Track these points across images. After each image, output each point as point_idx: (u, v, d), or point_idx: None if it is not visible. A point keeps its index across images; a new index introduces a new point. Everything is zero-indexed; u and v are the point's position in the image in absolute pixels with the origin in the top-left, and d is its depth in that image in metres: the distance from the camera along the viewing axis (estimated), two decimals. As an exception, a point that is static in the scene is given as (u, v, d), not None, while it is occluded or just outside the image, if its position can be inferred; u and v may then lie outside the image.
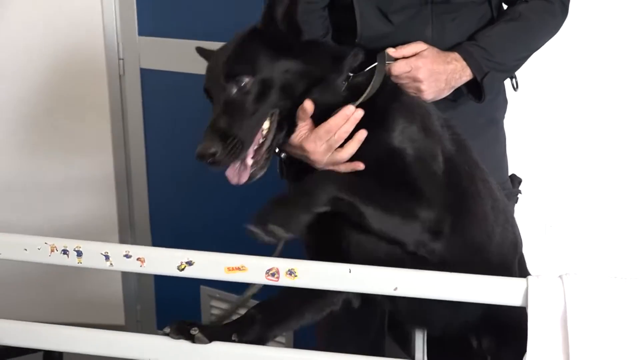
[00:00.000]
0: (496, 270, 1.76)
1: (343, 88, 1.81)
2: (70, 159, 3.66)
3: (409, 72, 1.93)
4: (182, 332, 1.65)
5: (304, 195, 1.64)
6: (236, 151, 1.67)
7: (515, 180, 2.31)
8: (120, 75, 3.55)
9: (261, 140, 1.74)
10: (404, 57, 1.95)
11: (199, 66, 3.26)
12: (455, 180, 1.80)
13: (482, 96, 2.07)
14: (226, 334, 1.69)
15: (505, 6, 2.20)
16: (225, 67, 1.73)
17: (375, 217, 1.68)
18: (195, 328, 1.64)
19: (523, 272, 2.01)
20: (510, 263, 1.95)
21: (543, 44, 2.16)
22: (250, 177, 1.74)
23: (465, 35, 2.10)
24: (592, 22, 2.81)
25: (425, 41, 2.01)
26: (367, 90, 1.81)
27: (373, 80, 1.84)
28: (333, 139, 1.75)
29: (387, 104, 1.82)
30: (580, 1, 2.21)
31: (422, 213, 1.71)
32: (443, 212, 1.73)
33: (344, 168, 1.76)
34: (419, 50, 1.97)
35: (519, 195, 2.31)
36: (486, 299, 1.55)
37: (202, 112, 3.33)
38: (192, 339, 1.64)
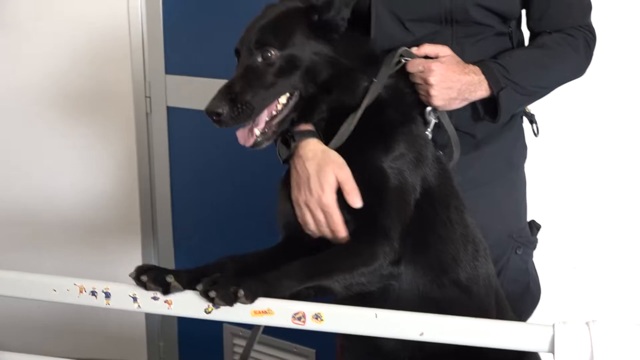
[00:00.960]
0: (468, 296, 1.86)
1: (362, 90, 1.84)
2: (97, 199, 3.69)
3: (422, 72, 1.94)
4: (159, 281, 1.63)
5: (265, 284, 1.63)
6: (243, 116, 1.74)
7: (534, 227, 2.28)
8: (147, 113, 3.59)
9: (274, 113, 1.80)
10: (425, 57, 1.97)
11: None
12: (427, 207, 1.83)
13: (497, 114, 2.04)
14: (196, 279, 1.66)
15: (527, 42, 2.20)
16: (258, 33, 1.80)
17: (339, 283, 1.72)
18: (171, 275, 1.62)
19: (501, 309, 2.00)
20: (484, 294, 1.94)
21: (564, 79, 2.14)
22: (254, 144, 1.79)
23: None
24: (612, 68, 2.80)
25: None
26: (376, 82, 1.85)
27: (380, 71, 1.88)
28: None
29: (396, 123, 1.86)
30: (601, 47, 2.20)
31: (382, 250, 1.75)
32: (401, 240, 1.77)
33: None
34: (441, 54, 1.97)
35: (537, 242, 2.29)
36: (512, 345, 1.54)
37: (227, 150, 3.38)
38: (167, 287, 1.62)
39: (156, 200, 3.68)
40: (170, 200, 3.65)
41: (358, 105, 1.83)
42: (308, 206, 1.81)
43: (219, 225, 3.51)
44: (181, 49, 3.47)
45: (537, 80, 2.08)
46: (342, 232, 1.80)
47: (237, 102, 1.72)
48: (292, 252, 1.82)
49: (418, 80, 1.95)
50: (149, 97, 3.57)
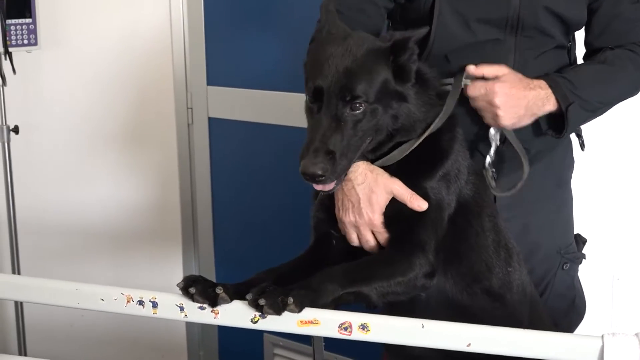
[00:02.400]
0: (500, 303, 1.85)
1: (424, 129, 1.83)
2: (139, 209, 3.74)
3: (484, 94, 1.91)
4: (206, 294, 1.64)
5: (311, 291, 1.64)
6: (339, 173, 1.71)
7: (580, 241, 2.26)
8: (189, 124, 3.62)
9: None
10: (483, 77, 1.93)
11: (266, 115, 3.35)
12: (460, 219, 1.84)
13: (564, 129, 2.01)
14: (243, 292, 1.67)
15: (580, 60, 2.18)
16: (346, 79, 1.72)
17: (377, 291, 1.73)
18: (220, 287, 1.63)
19: (538, 319, 1.97)
20: (517, 302, 1.92)
21: (624, 96, 2.11)
22: (333, 189, 1.76)
23: (546, 72, 2.04)
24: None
25: None
26: (441, 115, 1.83)
27: (448, 99, 1.86)
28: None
29: (443, 147, 1.85)
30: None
31: (418, 261, 1.76)
32: (436, 252, 1.78)
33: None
34: (500, 74, 1.93)
35: (584, 256, 2.27)
36: (561, 356, 1.53)
37: (268, 160, 3.40)
38: (215, 299, 1.63)
39: (197, 210, 3.71)
40: (212, 210, 3.68)
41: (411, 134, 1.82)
42: (357, 227, 1.83)
43: (259, 234, 3.53)
44: (223, 61, 3.50)
45: (601, 96, 2.05)
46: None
47: (335, 161, 1.68)
48: (322, 258, 1.85)
49: (481, 104, 1.93)
50: (191, 108, 3.60)
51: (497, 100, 1.90)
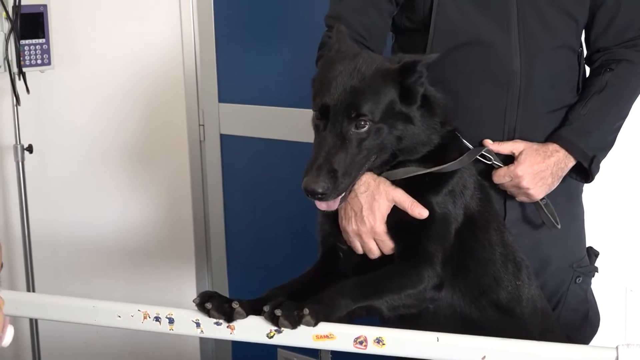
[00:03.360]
0: (509, 317, 1.86)
1: (427, 149, 1.83)
2: (151, 226, 3.75)
3: (510, 182, 1.98)
4: (222, 309, 1.65)
5: (324, 306, 1.65)
6: (340, 191, 1.72)
7: (592, 254, 2.26)
8: (200, 141, 3.65)
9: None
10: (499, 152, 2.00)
11: (277, 132, 3.37)
12: (467, 233, 1.86)
13: (589, 177, 2.07)
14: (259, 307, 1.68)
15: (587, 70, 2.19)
16: (352, 98, 1.73)
17: (388, 304, 1.74)
18: (236, 302, 1.64)
19: (550, 333, 1.96)
20: (527, 315, 1.93)
21: (632, 106, 2.13)
22: (337, 205, 1.78)
23: (554, 76, 2.07)
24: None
25: (514, 72, 2.01)
26: (446, 165, 1.84)
27: (461, 160, 1.87)
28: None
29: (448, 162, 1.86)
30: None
31: (426, 273, 1.77)
32: (444, 264, 1.79)
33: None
34: (516, 151, 1.99)
35: (597, 270, 2.27)
36: (575, 368, 1.54)
37: (280, 176, 3.41)
38: (231, 314, 1.64)
39: (210, 225, 3.73)
40: (224, 226, 3.69)
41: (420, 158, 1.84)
42: (360, 236, 1.84)
43: (272, 249, 3.54)
44: (234, 78, 3.53)
45: (612, 125, 2.10)
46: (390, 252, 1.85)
47: (337, 179, 1.70)
48: (331, 272, 1.87)
49: (510, 189, 2.01)
50: (203, 125, 3.63)
51: (525, 183, 1.98)
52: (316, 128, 1.77)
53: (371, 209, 1.82)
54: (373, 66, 1.77)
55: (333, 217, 1.90)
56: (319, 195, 1.69)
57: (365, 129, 1.72)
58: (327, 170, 1.69)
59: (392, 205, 1.83)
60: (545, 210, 2.04)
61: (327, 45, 1.94)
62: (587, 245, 2.28)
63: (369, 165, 1.78)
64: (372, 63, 1.78)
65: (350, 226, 1.85)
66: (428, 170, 1.82)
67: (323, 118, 1.74)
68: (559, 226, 2.03)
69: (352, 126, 1.72)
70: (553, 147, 2.01)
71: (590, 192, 2.36)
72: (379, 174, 1.84)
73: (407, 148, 1.80)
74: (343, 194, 1.75)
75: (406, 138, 1.78)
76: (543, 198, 2.03)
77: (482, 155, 1.97)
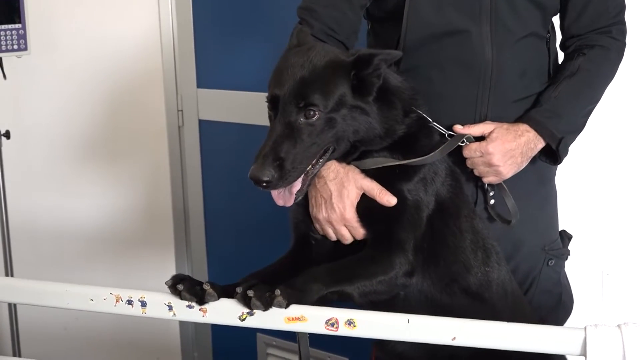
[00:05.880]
0: (479, 302, 1.89)
1: (390, 140, 1.85)
2: (130, 212, 3.75)
3: (480, 157, 1.98)
4: (193, 291, 1.66)
5: (296, 290, 1.66)
6: (289, 181, 1.74)
7: (565, 237, 2.28)
8: (179, 126, 3.64)
9: (308, 169, 1.79)
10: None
11: (256, 117, 3.36)
12: (438, 220, 1.87)
13: (557, 160, 2.09)
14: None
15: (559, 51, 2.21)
16: (301, 88, 1.75)
17: (359, 290, 1.76)
18: (207, 283, 1.65)
19: (521, 316, 1.97)
20: (496, 300, 1.95)
21: (604, 91, 2.15)
22: (294, 201, 1.80)
23: (524, 63, 2.09)
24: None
25: (486, 61, 2.03)
26: (425, 157, 1.86)
27: (442, 149, 1.89)
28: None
29: (419, 150, 1.88)
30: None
31: (398, 260, 1.79)
32: (415, 251, 1.82)
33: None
34: (487, 131, 2.00)
35: (569, 253, 2.29)
36: (544, 348, 1.55)
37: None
38: (202, 297, 1.65)
39: (189, 212, 3.73)
40: (203, 212, 3.69)
41: (387, 147, 1.85)
42: (330, 223, 1.86)
43: (251, 236, 3.54)
44: (212, 63, 3.52)
45: (583, 109, 2.11)
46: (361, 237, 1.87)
47: (284, 168, 1.71)
48: (304, 259, 1.89)
49: (480, 164, 2.00)
50: (181, 111, 3.62)
51: (496, 160, 1.98)
52: (269, 119, 1.79)
53: (340, 196, 1.83)
54: (325, 58, 1.79)
55: (304, 205, 1.91)
56: (264, 184, 1.70)
57: (314, 118, 1.73)
58: (273, 158, 1.70)
59: (361, 193, 1.84)
60: (492, 212, 2.08)
61: (289, 43, 1.94)
62: (561, 228, 2.30)
63: (328, 156, 1.79)
64: (325, 55, 1.79)
65: (320, 214, 1.86)
66: (402, 162, 1.84)
67: (274, 108, 1.77)
68: (514, 220, 2.05)
69: (301, 116, 1.74)
70: (524, 127, 2.03)
71: (569, 177, 2.37)
72: (348, 164, 1.85)
73: (366, 139, 1.81)
74: (300, 188, 1.78)
75: (362, 130, 1.79)
76: (492, 193, 2.06)
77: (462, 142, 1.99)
